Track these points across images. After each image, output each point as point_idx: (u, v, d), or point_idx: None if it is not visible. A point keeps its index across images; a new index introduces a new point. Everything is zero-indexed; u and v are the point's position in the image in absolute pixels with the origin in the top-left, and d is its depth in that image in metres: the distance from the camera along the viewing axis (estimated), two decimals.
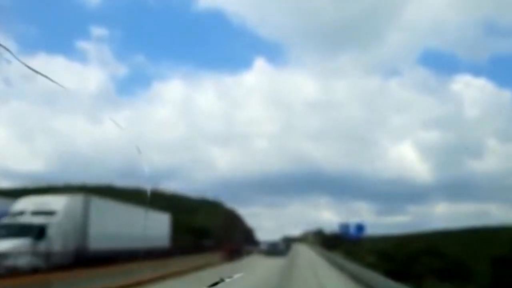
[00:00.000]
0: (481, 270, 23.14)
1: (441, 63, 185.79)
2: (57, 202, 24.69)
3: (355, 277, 25.57)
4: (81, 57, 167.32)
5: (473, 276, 24.94)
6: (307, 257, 55.16)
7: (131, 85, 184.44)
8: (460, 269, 29.26)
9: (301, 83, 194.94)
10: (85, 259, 23.39)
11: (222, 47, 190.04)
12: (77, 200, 25.51)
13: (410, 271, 29.94)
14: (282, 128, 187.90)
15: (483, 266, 23.13)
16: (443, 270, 29.21)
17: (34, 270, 17.80)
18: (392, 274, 23.91)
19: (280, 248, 56.26)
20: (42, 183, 48.03)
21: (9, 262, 17.67)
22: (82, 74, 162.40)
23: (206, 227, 59.99)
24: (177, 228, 52.78)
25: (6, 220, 22.92)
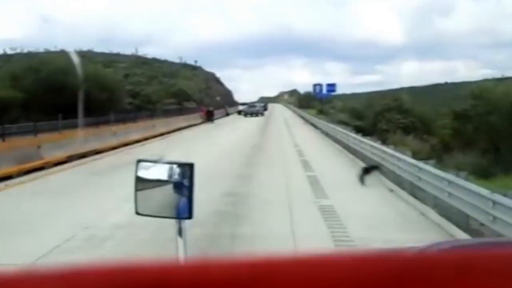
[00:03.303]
0: (443, 124, 23.83)
1: None
2: None
3: (326, 134, 26.22)
4: None
5: (435, 130, 25.74)
6: (283, 116, 56.10)
7: None
8: (424, 124, 30.14)
9: None
10: None
11: None
12: None
13: (378, 127, 30.78)
14: None
15: (445, 120, 23.77)
16: (408, 126, 30.05)
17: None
18: (362, 130, 24.53)
19: (257, 109, 56.98)
20: (22, 50, 46.11)
21: None
22: None
23: (187, 91, 59.75)
24: (160, 91, 52.47)
25: None
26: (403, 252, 0.38)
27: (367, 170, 11.23)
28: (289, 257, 0.34)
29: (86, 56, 46.03)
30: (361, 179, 10.68)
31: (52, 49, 49.57)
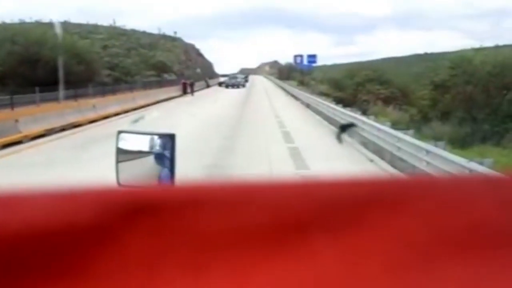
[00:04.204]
0: (423, 94, 24.02)
1: None
2: None
3: (307, 105, 26.27)
4: None
5: (415, 100, 25.96)
6: (264, 88, 55.93)
7: None
8: (404, 94, 30.34)
9: None
10: None
11: None
12: None
13: (358, 98, 30.91)
14: None
15: (424, 90, 23.95)
16: (388, 96, 30.22)
17: None
18: (342, 101, 24.62)
19: (239, 80, 56.72)
20: None
21: None
22: None
23: (167, 63, 58.98)
24: (139, 63, 51.64)
25: None
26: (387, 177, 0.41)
27: (343, 128, 11.33)
28: (281, 179, 0.35)
29: (62, 27, 44.91)
30: (338, 137, 10.75)
31: (28, 20, 48.25)
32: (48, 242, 0.27)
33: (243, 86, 54.34)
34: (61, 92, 20.71)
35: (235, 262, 0.29)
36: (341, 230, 0.31)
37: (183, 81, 43.14)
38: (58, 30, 26.73)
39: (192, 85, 41.07)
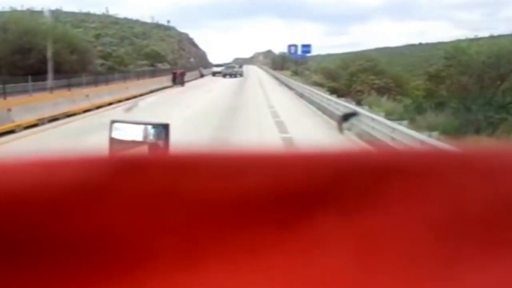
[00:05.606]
0: (417, 85, 24.07)
1: None
2: None
3: (301, 95, 26.25)
4: None
5: (409, 91, 26.01)
6: (257, 78, 55.84)
7: None
8: (398, 85, 30.38)
9: None
10: None
11: None
12: None
13: (352, 88, 30.90)
14: None
15: (419, 81, 23.98)
16: (383, 87, 30.23)
17: None
18: (336, 91, 24.62)
19: (236, 70, 56.92)
20: None
21: None
22: None
23: (160, 52, 58.68)
24: (132, 53, 51.39)
25: None
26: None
27: (345, 117, 11.21)
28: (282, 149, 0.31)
29: (54, 15, 44.52)
30: (340, 126, 10.66)
31: (19, 8, 47.75)
32: (37, 204, 0.26)
33: (240, 75, 54.70)
34: (51, 81, 20.55)
35: (229, 248, 0.25)
36: (352, 209, 0.26)
37: (173, 70, 42.11)
38: (48, 18, 26.51)
39: (182, 74, 38.42)
